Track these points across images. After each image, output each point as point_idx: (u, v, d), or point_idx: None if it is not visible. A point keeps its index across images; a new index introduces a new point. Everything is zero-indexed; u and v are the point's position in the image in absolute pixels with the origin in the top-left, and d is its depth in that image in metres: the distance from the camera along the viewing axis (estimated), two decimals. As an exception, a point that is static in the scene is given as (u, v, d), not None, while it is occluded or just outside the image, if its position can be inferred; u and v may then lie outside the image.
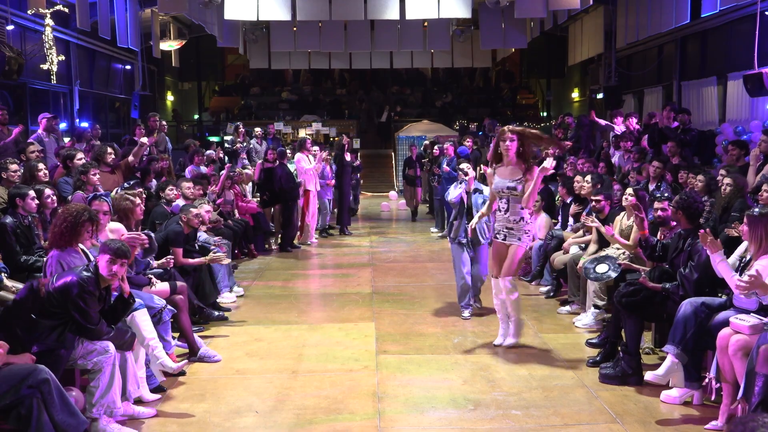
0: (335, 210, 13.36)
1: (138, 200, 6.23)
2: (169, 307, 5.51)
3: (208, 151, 11.86)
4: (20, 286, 4.98)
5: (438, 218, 12.83)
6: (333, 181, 12.55)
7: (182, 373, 5.42)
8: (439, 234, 12.37)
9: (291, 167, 11.60)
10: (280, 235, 11.39)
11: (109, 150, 8.05)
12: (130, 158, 8.15)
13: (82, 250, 4.90)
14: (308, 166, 11.40)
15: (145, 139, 8.61)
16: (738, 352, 4.33)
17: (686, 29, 13.21)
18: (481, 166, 8.04)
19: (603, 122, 12.50)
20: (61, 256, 4.72)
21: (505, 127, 6.02)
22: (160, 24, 16.19)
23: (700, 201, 5.53)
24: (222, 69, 26.90)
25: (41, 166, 6.90)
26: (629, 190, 6.53)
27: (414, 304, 7.69)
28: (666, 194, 6.38)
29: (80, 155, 7.77)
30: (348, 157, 12.86)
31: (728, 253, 4.94)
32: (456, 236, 7.05)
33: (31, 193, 5.87)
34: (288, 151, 12.52)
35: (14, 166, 6.76)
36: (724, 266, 4.67)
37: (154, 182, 9.06)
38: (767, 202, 5.87)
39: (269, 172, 11.11)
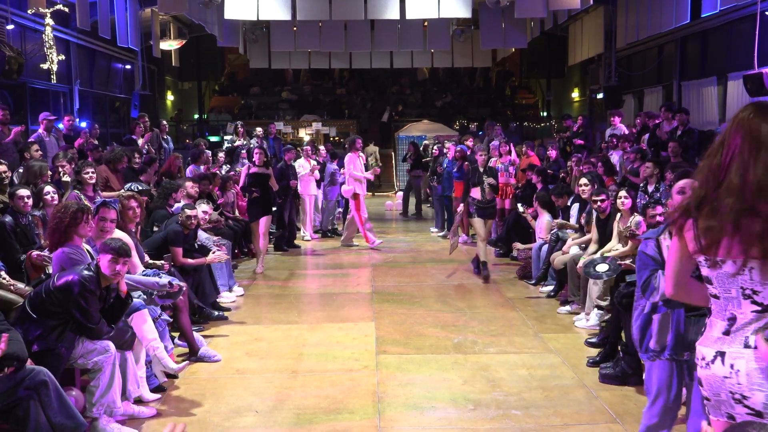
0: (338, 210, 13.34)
1: (133, 202, 6.07)
2: (164, 316, 5.46)
3: (208, 152, 11.80)
4: (20, 285, 4.98)
5: (438, 218, 12.81)
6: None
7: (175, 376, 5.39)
8: (440, 234, 12.36)
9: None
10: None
11: (134, 157, 8.05)
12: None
13: (87, 251, 4.90)
14: (303, 172, 11.45)
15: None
16: (738, 352, 4.31)
17: (686, 29, 13.20)
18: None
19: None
20: (67, 253, 4.68)
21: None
22: (160, 24, 16.18)
23: None
24: (222, 69, 26.90)
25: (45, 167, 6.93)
26: (622, 192, 6.47)
27: (414, 304, 7.68)
28: (661, 199, 6.35)
29: (62, 162, 7.74)
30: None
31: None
32: (666, 347, 3.61)
33: (20, 192, 5.84)
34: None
35: (1, 167, 6.75)
36: None
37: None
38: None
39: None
